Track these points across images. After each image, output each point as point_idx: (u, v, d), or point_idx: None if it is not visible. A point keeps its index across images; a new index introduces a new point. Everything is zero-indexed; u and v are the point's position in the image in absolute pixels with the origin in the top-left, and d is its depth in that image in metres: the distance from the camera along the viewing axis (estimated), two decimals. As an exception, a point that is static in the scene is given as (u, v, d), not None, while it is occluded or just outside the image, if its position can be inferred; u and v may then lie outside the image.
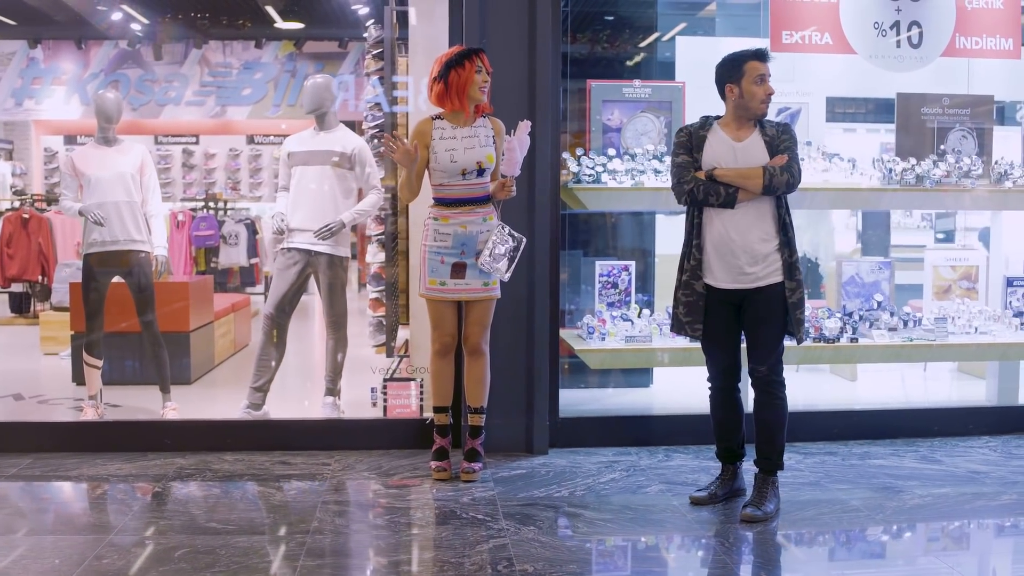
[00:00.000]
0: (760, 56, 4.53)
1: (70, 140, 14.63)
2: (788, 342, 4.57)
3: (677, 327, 4.69)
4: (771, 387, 4.52)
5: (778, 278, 4.45)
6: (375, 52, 6.73)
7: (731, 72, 4.52)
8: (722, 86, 4.56)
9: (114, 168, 6.05)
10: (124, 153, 6.15)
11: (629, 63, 7.92)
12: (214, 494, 4.80)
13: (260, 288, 12.90)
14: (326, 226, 5.90)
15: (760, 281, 4.46)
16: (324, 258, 6.00)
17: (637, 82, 6.22)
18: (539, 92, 5.39)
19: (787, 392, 4.56)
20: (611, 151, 5.96)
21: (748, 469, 4.68)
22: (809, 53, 6.18)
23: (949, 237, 9.11)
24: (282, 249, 6.10)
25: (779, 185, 4.41)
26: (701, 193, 4.48)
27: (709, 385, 4.72)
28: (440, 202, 5.01)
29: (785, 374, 4.58)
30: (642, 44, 7.71)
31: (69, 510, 4.65)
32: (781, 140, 4.50)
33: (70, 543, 4.08)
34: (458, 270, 4.95)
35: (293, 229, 6.02)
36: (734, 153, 4.52)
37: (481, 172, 4.94)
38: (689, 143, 4.59)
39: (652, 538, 4.29)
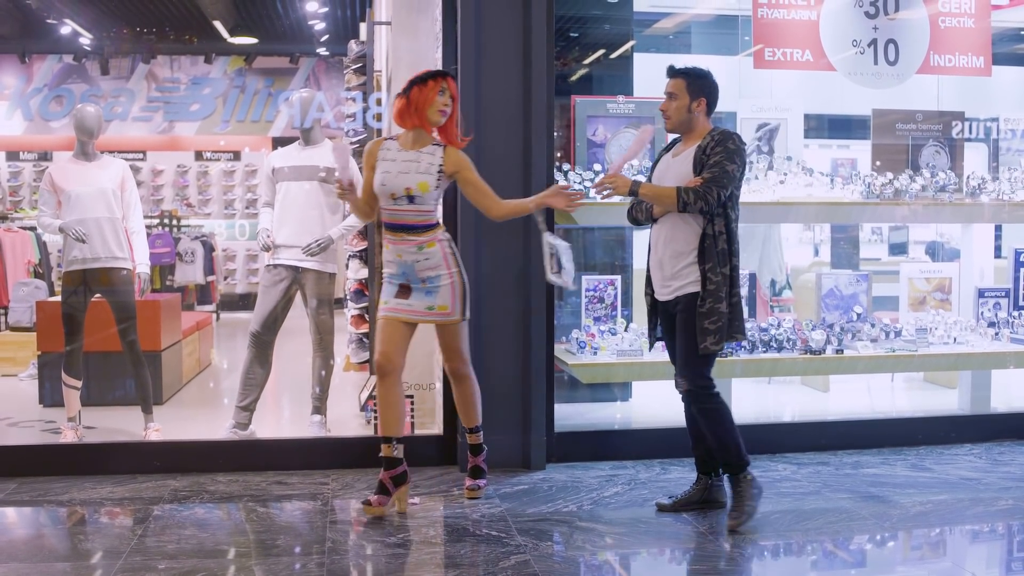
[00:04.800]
0: (666, 73, 4.69)
1: (12, 156, 14.27)
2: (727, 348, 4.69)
3: None
4: (696, 398, 4.57)
5: (693, 289, 4.47)
6: (355, 67, 6.68)
7: None
8: None
9: (95, 184, 5.93)
10: (104, 168, 6.03)
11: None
12: (217, 516, 4.70)
13: (212, 307, 12.74)
14: (316, 242, 5.84)
15: (676, 292, 4.53)
16: (312, 274, 5.94)
17: (621, 98, 6.27)
18: (535, 108, 5.39)
19: (724, 398, 4.65)
20: (596, 166, 6.00)
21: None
22: (790, 70, 6.30)
23: (901, 250, 9.35)
24: (268, 266, 6.02)
25: (694, 210, 4.41)
26: (632, 211, 4.79)
27: None
28: (383, 225, 4.82)
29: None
30: (613, 60, 7.77)
31: (71, 536, 4.50)
32: (713, 152, 4.46)
33: (82, 570, 3.97)
34: (403, 291, 4.71)
35: (279, 245, 5.95)
36: (666, 167, 4.65)
37: (411, 199, 4.62)
38: (655, 162, 4.80)
39: (672, 551, 4.31)
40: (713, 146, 4.47)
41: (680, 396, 4.68)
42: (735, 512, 4.49)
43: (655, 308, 4.73)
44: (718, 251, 4.44)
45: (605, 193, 4.66)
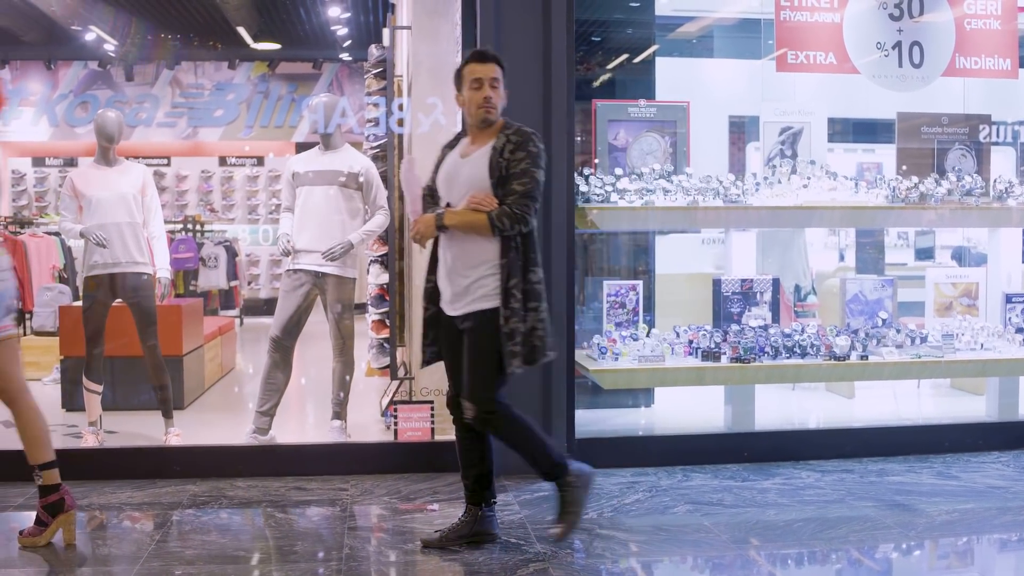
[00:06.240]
0: (476, 58, 4.17)
1: (38, 162, 14.40)
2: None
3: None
4: (487, 423, 4.14)
5: (487, 305, 4.06)
6: (376, 72, 6.66)
7: (455, 81, 4.22)
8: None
9: (115, 189, 5.94)
10: (125, 173, 6.04)
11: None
12: (235, 522, 4.69)
13: (235, 312, 12.78)
14: (338, 246, 5.84)
15: (468, 307, 4.10)
16: (332, 279, 5.93)
17: (642, 102, 6.23)
18: (555, 112, 5.36)
19: (516, 411, 4.18)
20: (618, 171, 5.96)
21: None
22: (813, 73, 6.23)
23: (928, 254, 9.25)
24: (288, 271, 6.02)
25: (511, 233, 4.02)
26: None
27: None
28: None
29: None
30: (636, 64, 7.74)
31: (89, 541, 4.49)
32: (514, 158, 4.03)
33: (99, 575, 3.96)
34: None
35: (299, 250, 5.95)
36: (455, 170, 4.18)
37: None
38: (439, 161, 4.31)
39: (693, 559, 4.26)
40: (513, 149, 4.04)
41: (454, 418, 4.28)
42: (559, 522, 4.23)
43: (436, 322, 4.27)
44: (520, 264, 4.05)
45: (416, 239, 4.19)
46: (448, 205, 4.17)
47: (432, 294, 4.26)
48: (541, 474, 4.30)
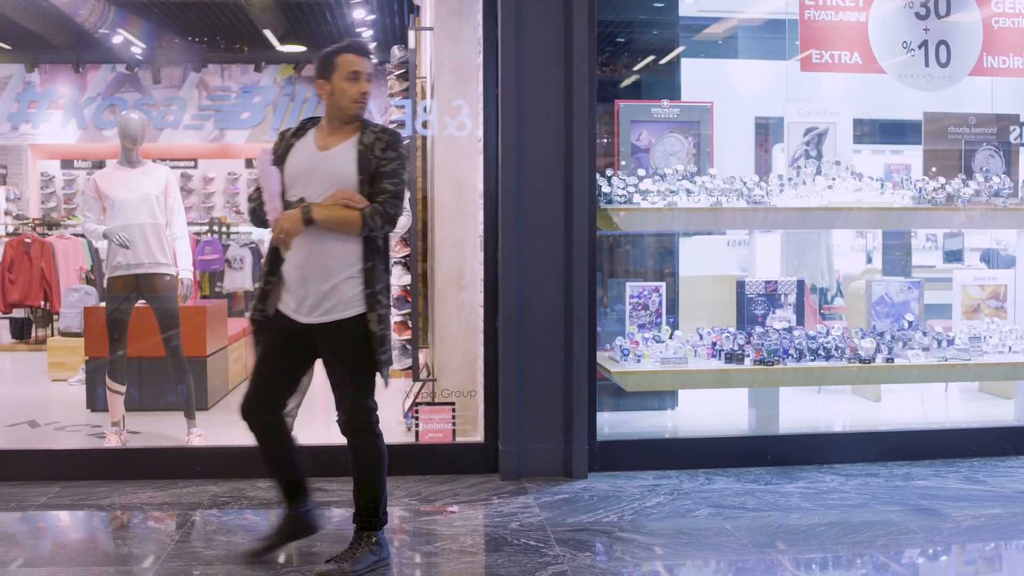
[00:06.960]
0: (355, 50, 3.95)
1: (67, 164, 14.53)
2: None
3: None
4: (357, 435, 3.98)
5: (351, 312, 3.89)
6: (398, 73, 6.65)
7: (323, 67, 3.94)
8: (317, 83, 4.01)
9: (139, 190, 5.97)
10: (148, 175, 6.07)
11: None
12: (255, 523, 4.69)
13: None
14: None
15: (329, 315, 3.89)
16: (353, 281, 5.91)
17: (665, 102, 6.19)
18: (576, 112, 5.33)
19: (383, 442, 4.02)
20: (641, 171, 5.92)
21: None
22: (838, 72, 6.17)
23: (956, 257, 9.13)
24: (310, 272, 6.01)
25: (377, 231, 3.87)
26: (259, 211, 3.96)
27: None
28: None
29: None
30: (661, 65, 7.70)
31: (108, 540, 4.52)
32: (385, 157, 3.88)
33: (117, 574, 3.97)
34: None
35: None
36: (314, 164, 3.89)
37: None
38: (278, 150, 3.97)
39: (715, 563, 4.22)
40: (384, 148, 3.89)
41: (249, 424, 4.09)
42: (341, 558, 3.94)
43: (263, 326, 4.00)
44: (382, 268, 3.95)
45: (282, 239, 3.84)
46: (301, 200, 3.87)
47: (266, 296, 3.98)
48: (362, 511, 4.03)
